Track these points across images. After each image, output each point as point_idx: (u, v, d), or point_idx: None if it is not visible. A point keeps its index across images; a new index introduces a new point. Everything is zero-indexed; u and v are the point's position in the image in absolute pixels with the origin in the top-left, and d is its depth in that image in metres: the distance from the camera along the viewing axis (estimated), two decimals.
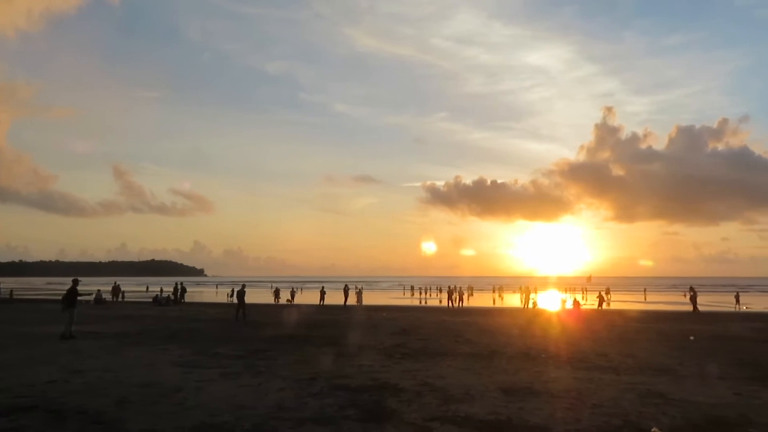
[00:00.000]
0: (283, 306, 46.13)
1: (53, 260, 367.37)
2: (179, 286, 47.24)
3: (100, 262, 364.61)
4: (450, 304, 43.20)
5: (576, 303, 41.55)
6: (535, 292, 46.25)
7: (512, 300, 55.13)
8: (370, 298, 52.13)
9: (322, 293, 45.29)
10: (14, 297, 55.27)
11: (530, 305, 42.28)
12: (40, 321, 25.16)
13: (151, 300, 45.75)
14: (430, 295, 73.39)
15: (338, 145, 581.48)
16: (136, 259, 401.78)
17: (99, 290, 46.19)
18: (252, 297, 37.86)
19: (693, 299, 37.73)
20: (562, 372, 11.95)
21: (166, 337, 18.80)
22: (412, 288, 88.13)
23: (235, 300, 32.53)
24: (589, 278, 56.95)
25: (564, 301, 43.29)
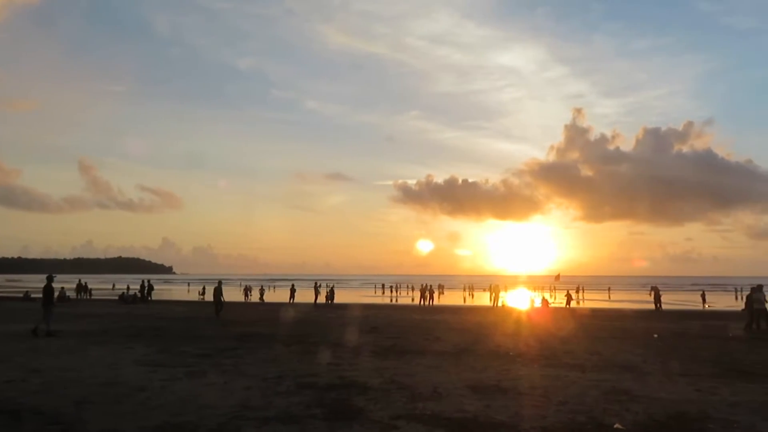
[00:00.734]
0: (253, 304, 45.77)
1: (16, 257, 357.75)
2: (146, 284, 46.45)
3: (64, 260, 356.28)
4: (422, 302, 43.36)
5: (544, 301, 42.10)
6: (505, 291, 46.64)
7: (482, 298, 55.61)
8: (341, 296, 51.99)
9: (292, 291, 45.00)
10: None
11: (499, 304, 42.68)
12: None
13: (117, 298, 44.95)
14: (400, 293, 73.58)
15: (310, 142, 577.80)
16: (102, 257, 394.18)
17: (63, 288, 45.14)
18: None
19: (656, 298, 38.54)
20: (529, 370, 12.06)
21: (131, 335, 18.44)
22: (383, 286, 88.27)
23: (206, 298, 32.07)
24: (557, 277, 57.67)
25: (533, 300, 43.85)
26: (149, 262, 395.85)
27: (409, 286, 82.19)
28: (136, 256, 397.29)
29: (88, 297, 50.45)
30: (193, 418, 7.45)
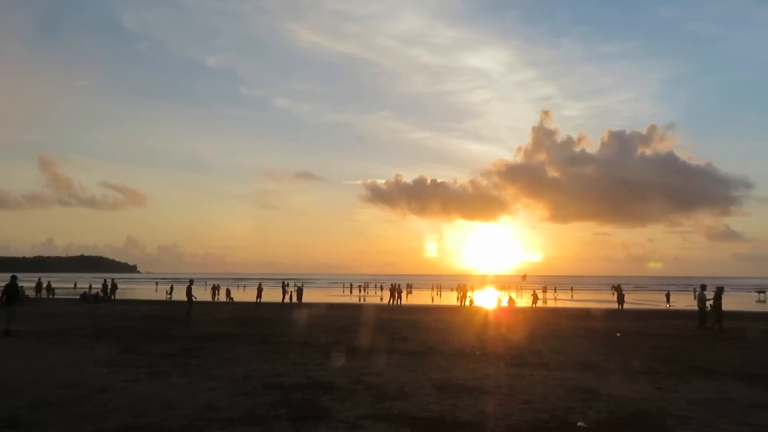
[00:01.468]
0: (220, 303, 45.22)
1: None
2: (109, 283, 45.46)
3: (24, 258, 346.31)
4: (390, 302, 43.42)
5: (511, 301, 42.60)
6: (472, 290, 47.03)
7: (450, 298, 55.95)
8: (310, 296, 51.73)
9: (260, 290, 44.58)
10: None
11: (467, 303, 42.99)
12: None
13: (79, 297, 43.89)
14: (368, 292, 73.58)
15: (279, 140, 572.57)
16: (63, 255, 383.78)
17: (21, 287, 43.84)
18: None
19: (619, 297, 39.33)
20: (495, 369, 12.16)
21: (92, 335, 18.03)
22: (351, 285, 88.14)
23: (174, 297, 31.48)
24: (524, 277, 58.53)
25: (500, 299, 44.27)
26: (113, 260, 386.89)
27: (378, 286, 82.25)
28: (99, 254, 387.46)
29: (51, 296, 49.12)
30: (155, 419, 7.30)
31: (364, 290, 76.75)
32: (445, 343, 16.66)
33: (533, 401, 8.66)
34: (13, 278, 18.62)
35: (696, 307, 25.49)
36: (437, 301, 53.63)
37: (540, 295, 50.53)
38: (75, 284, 79.68)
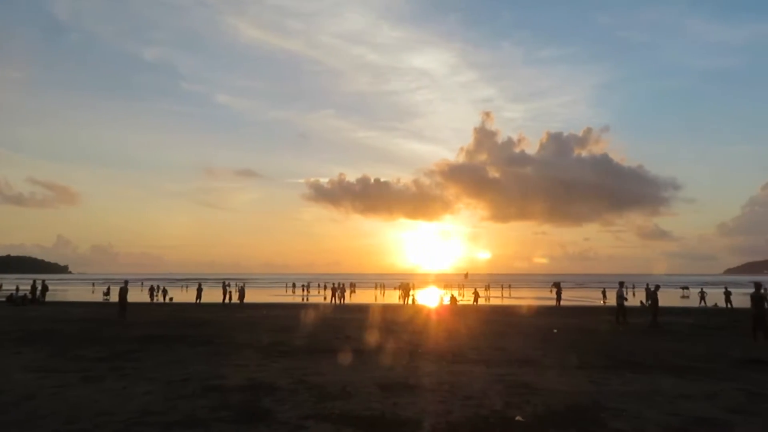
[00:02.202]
0: (158, 305, 43.93)
1: None
2: (38, 284, 43.39)
3: None
4: (333, 301, 43.29)
5: (453, 299, 43.22)
6: (415, 289, 47.47)
7: (393, 297, 56.25)
8: (252, 296, 50.91)
9: (199, 290, 43.56)
10: None
11: (410, 302, 43.37)
12: None
13: (5, 299, 41.70)
14: (311, 292, 73.10)
15: (220, 137, 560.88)
16: None
17: None
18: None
19: (558, 294, 40.56)
20: (437, 366, 12.32)
21: (19, 339, 17.18)
22: (294, 285, 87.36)
23: (112, 299, 30.32)
24: (466, 275, 59.49)
25: (442, 298, 44.86)
26: (42, 260, 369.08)
27: (321, 285, 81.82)
28: (26, 254, 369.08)
29: None
30: (87, 426, 7.03)
31: (307, 290, 76.18)
32: (387, 342, 16.74)
33: (473, 397, 8.83)
34: None
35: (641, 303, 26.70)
36: (380, 300, 53.81)
37: (481, 293, 51.49)
38: (0, 285, 75.65)
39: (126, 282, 29.22)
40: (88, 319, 26.33)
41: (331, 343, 16.31)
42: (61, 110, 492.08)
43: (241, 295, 44.01)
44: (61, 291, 74.17)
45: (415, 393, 9.23)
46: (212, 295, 46.90)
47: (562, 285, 44.04)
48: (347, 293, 50.20)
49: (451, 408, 8.08)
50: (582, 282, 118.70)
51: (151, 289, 55.02)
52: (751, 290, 18.41)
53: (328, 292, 45.12)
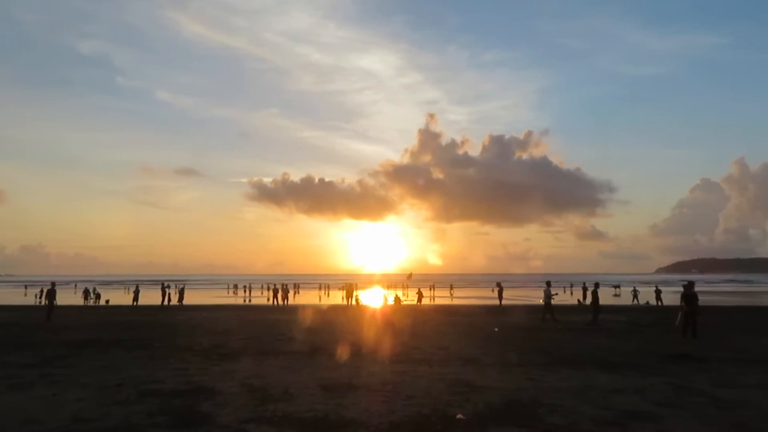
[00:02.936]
0: (92, 307, 42.33)
1: None
2: None
3: None
4: (276, 302, 42.80)
5: (397, 299, 43.47)
6: (359, 290, 47.48)
7: (338, 297, 56.13)
8: (192, 297, 49.78)
9: (136, 292, 42.20)
10: None
11: (354, 302, 43.36)
12: None
13: None
14: (254, 293, 72.03)
15: (159, 135, 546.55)
16: None
17: None
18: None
19: (499, 294, 41.40)
20: (380, 366, 12.36)
21: None
22: (236, 286, 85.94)
23: (45, 301, 28.94)
24: (410, 275, 59.80)
25: (386, 298, 45.05)
26: None
27: (264, 286, 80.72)
28: None
29: None
30: None
31: (250, 291, 75.04)
32: (331, 343, 16.68)
33: (416, 396, 8.90)
34: None
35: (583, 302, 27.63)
36: (324, 301, 53.57)
37: (426, 293, 52.01)
38: None
39: (53, 284, 28.04)
40: (14, 323, 25.05)
41: (273, 345, 16.11)
42: None
43: (181, 297, 42.96)
44: None
45: (358, 393, 9.23)
46: (150, 297, 45.54)
47: (503, 284, 44.94)
48: (290, 294, 49.68)
49: (393, 407, 8.13)
50: (524, 281, 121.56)
51: (86, 292, 52.98)
52: (682, 289, 19.39)
53: (271, 294, 44.51)
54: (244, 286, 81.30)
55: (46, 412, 7.89)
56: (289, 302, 44.20)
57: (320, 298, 60.25)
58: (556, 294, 26.38)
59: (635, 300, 46.64)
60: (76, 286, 69.35)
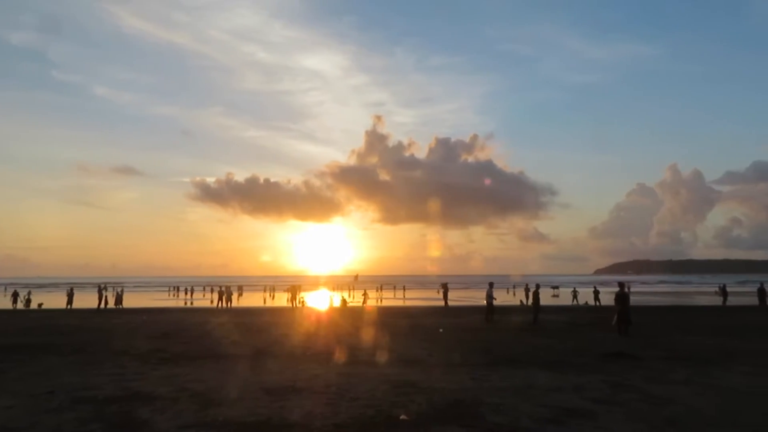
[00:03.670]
0: (22, 311, 40.41)
1: None
2: None
3: None
4: (219, 305, 41.98)
5: (343, 301, 43.37)
6: (304, 291, 47.12)
7: (283, 299, 55.52)
8: (131, 300, 48.21)
9: (70, 295, 40.51)
10: None
11: (299, 304, 43.00)
12: None
13: None
14: (197, 295, 70.43)
15: (96, 132, 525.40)
16: None
17: None
18: None
19: (444, 295, 41.89)
20: (325, 368, 12.29)
21: None
22: (178, 288, 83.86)
23: None
24: (356, 277, 59.89)
25: (332, 300, 44.85)
26: None
27: (207, 288, 79.03)
28: None
29: None
30: None
31: (192, 293, 73.34)
32: (275, 345, 16.48)
33: (360, 398, 8.89)
34: None
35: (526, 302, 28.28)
36: (269, 303, 52.87)
37: (372, 294, 52.08)
38: None
39: None
40: None
41: (215, 349, 15.78)
42: None
43: (119, 300, 41.56)
44: None
45: (302, 396, 9.15)
46: (86, 300, 43.87)
47: (449, 286, 45.49)
48: (234, 297, 48.82)
49: (338, 410, 8.09)
50: (469, 283, 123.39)
51: (14, 294, 50.49)
52: (617, 289, 20.13)
53: (215, 296, 43.60)
54: (186, 289, 79.42)
55: None
56: (233, 305, 43.43)
57: (265, 300, 59.43)
58: (495, 299, 27.13)
59: (575, 300, 48.07)
60: (5, 288, 65.99)
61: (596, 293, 44.69)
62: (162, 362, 13.17)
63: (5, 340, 18.42)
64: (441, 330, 21.72)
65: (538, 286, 26.71)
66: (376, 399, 8.83)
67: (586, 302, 45.38)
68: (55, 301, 52.57)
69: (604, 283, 64.84)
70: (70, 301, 39.91)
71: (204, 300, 58.46)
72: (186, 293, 74.36)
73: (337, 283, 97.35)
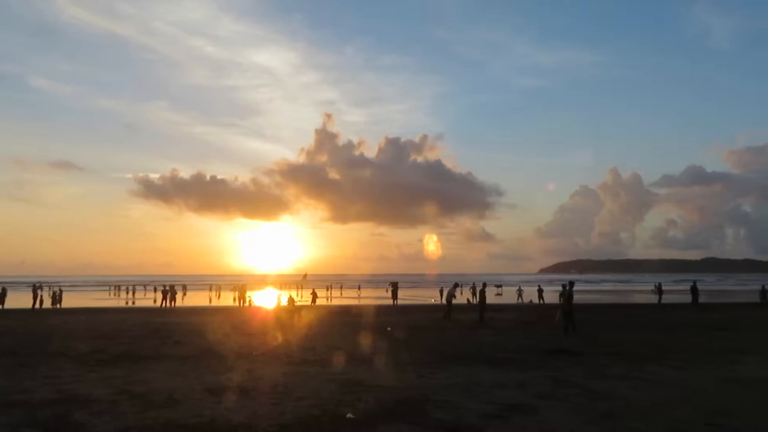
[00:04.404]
0: None
1: None
2: None
3: None
4: (163, 305, 40.90)
5: (291, 300, 42.94)
6: (251, 290, 46.47)
7: (229, 299, 54.61)
8: (69, 300, 46.34)
9: (3, 294, 38.60)
10: None
11: (246, 304, 42.37)
12: None
13: None
14: (139, 295, 68.46)
15: (32, 125, 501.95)
16: None
17: None
18: None
19: (393, 294, 42.09)
20: (272, 368, 12.15)
21: None
22: (119, 288, 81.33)
23: None
24: (304, 276, 59.39)
25: (279, 299, 44.36)
26: None
27: (150, 288, 76.87)
28: None
29: None
30: None
31: (134, 293, 71.21)
32: (221, 346, 16.17)
33: (306, 398, 8.83)
34: None
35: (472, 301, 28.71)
36: (215, 303, 51.87)
37: (322, 293, 51.79)
38: None
39: None
40: None
41: (158, 349, 15.37)
42: None
43: (57, 299, 39.96)
44: None
45: (247, 397, 9.01)
46: (20, 300, 41.99)
47: (398, 284, 45.70)
48: (179, 296, 47.67)
49: (283, 410, 8.01)
50: (418, 282, 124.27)
51: None
52: (561, 288, 20.68)
53: (158, 295, 42.47)
54: (128, 288, 77.10)
55: None
56: (177, 304, 42.39)
57: (211, 299, 58.27)
58: (455, 297, 27.60)
59: (519, 299, 49.11)
60: None
61: (540, 292, 45.81)
62: (101, 364, 12.73)
63: None
64: (389, 328, 21.80)
65: (484, 285, 27.17)
66: (322, 398, 8.79)
67: (531, 300, 46.45)
68: None
69: (548, 282, 66.64)
70: (2, 301, 38.04)
71: (147, 299, 56.87)
72: (128, 292, 72.15)
73: (285, 282, 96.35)
